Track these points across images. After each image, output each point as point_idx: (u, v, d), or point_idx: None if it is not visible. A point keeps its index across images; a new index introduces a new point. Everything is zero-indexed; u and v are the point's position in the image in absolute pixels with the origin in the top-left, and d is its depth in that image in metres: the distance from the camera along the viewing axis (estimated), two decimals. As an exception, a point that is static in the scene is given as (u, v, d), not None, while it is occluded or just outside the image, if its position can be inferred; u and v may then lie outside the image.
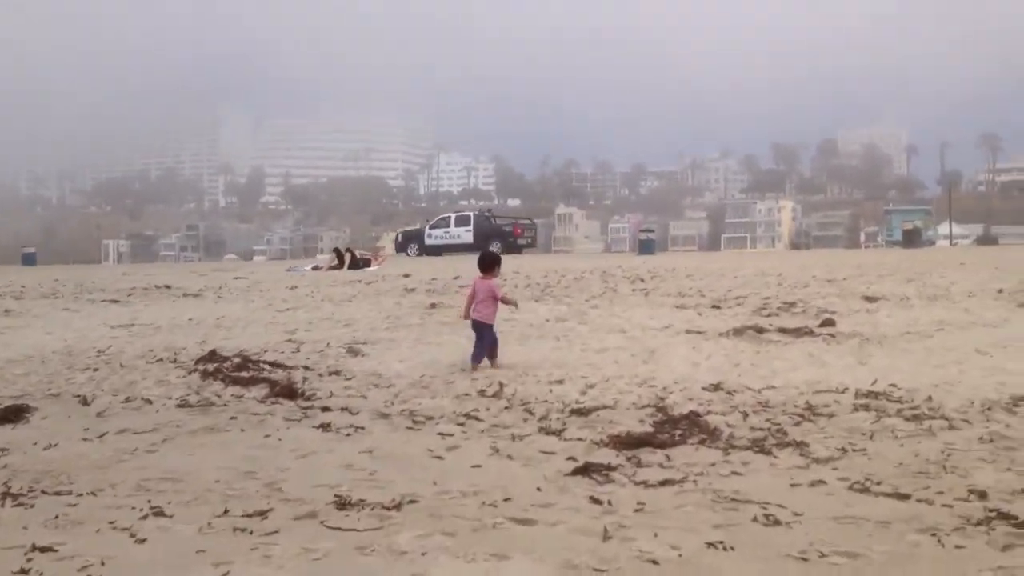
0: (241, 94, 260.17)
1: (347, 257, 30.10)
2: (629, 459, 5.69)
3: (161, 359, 9.80)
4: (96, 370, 9.41)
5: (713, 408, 6.95)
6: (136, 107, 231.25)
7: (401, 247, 48.00)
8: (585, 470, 5.42)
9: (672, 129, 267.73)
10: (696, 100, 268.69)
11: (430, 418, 6.99)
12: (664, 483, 5.16)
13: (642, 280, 17.86)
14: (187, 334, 12.13)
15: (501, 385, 8.07)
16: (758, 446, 5.90)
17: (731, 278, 18.22)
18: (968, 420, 6.39)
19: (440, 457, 5.87)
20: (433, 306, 14.67)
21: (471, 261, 32.43)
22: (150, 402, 7.78)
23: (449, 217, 49.46)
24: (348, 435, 6.53)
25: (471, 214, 49.60)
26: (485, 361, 8.92)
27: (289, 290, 19.65)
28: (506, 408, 7.24)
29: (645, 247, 46.11)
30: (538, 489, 5.12)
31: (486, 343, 9.00)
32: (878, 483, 5.06)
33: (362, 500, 4.94)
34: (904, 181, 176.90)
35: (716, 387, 7.68)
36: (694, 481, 5.18)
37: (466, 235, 45.83)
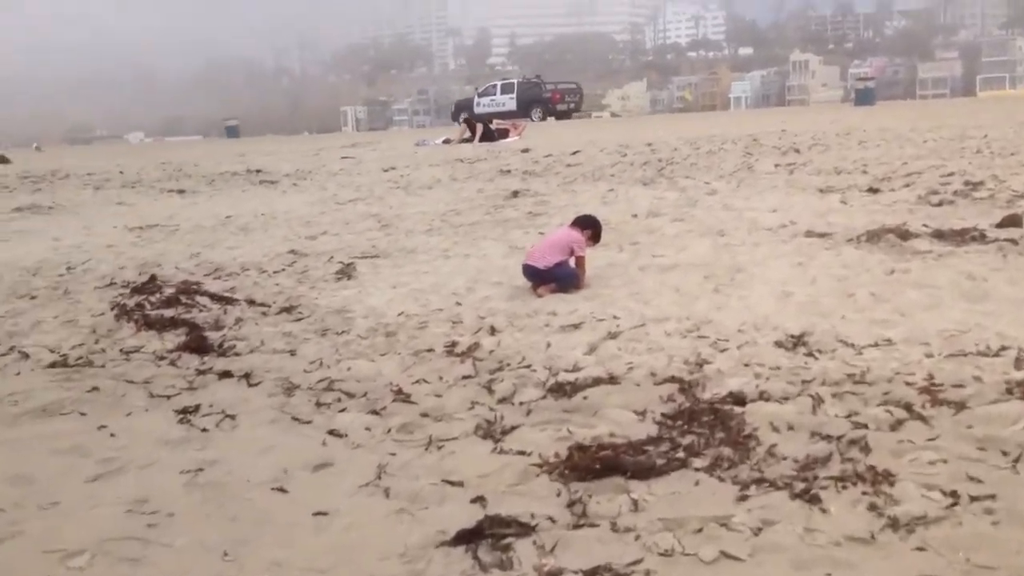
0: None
1: (479, 128, 28.15)
2: (571, 505, 3.60)
3: (113, 283, 8.26)
4: (33, 298, 7.97)
5: (771, 386, 4.65)
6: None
7: (455, 116, 51.37)
8: (474, 536, 3.37)
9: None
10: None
11: (349, 396, 5.06)
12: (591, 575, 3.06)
13: (797, 151, 15.02)
14: (194, 241, 10.65)
15: (493, 330, 6.03)
16: (804, 480, 3.64)
17: (919, 144, 15.12)
18: None
19: (283, 490, 3.94)
20: (515, 194, 12.58)
21: (607, 130, 29.96)
22: (26, 357, 6.19)
23: (496, 85, 52.55)
24: (204, 431, 4.70)
25: (515, 81, 52.94)
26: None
27: (383, 172, 18.03)
28: (464, 379, 5.19)
29: (862, 97, 42.97)
30: (369, 582, 3.14)
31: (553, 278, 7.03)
32: (994, 599, 2.77)
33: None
34: None
35: (797, 342, 5.33)
36: (646, 574, 3.05)
37: (510, 102, 48.96)
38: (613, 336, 5.73)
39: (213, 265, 8.83)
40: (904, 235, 7.49)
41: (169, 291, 7.29)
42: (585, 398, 4.72)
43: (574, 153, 17.44)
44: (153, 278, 7.79)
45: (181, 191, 17.12)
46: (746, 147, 15.95)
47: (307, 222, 11.64)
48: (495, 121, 31.32)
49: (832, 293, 6.25)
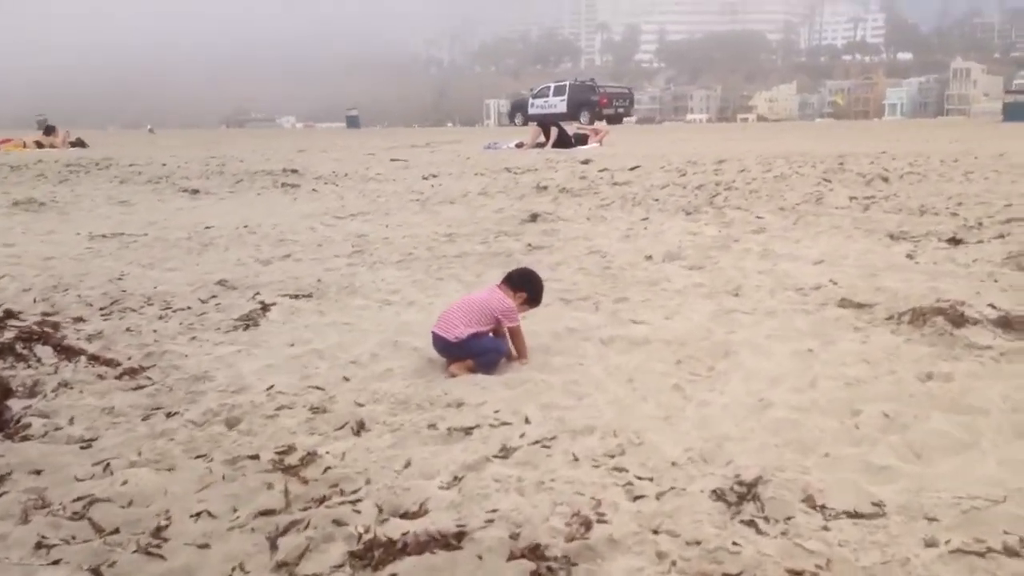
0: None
1: (553, 132, 26.67)
2: None
3: (-11, 312, 7.10)
4: None
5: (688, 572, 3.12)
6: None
7: (510, 117, 55.50)
8: None
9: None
10: None
11: (97, 531, 3.72)
12: None
13: (885, 180, 13.16)
14: (139, 259, 9.51)
15: (360, 428, 4.62)
16: None
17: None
18: None
19: None
20: (533, 218, 11.13)
21: (694, 141, 28.09)
22: None
23: (550, 87, 54.29)
24: None
25: (567, 83, 54.18)
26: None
27: (421, 179, 16.76)
28: (261, 516, 3.78)
29: (1013, 112, 39.48)
30: None
31: (467, 353, 5.50)
32: None
33: None
34: None
35: (745, 494, 3.75)
36: None
37: (561, 104, 51.09)
38: (503, 455, 4.24)
39: (121, 295, 7.60)
40: (958, 320, 5.74)
41: (10, 335, 6.05)
42: (420, 576, 3.26)
43: (632, 169, 15.84)
44: (8, 315, 6.56)
45: (195, 191, 16.16)
46: (826, 171, 14.12)
47: (281, 240, 10.41)
48: (575, 125, 29.86)
49: (829, 407, 4.61)
